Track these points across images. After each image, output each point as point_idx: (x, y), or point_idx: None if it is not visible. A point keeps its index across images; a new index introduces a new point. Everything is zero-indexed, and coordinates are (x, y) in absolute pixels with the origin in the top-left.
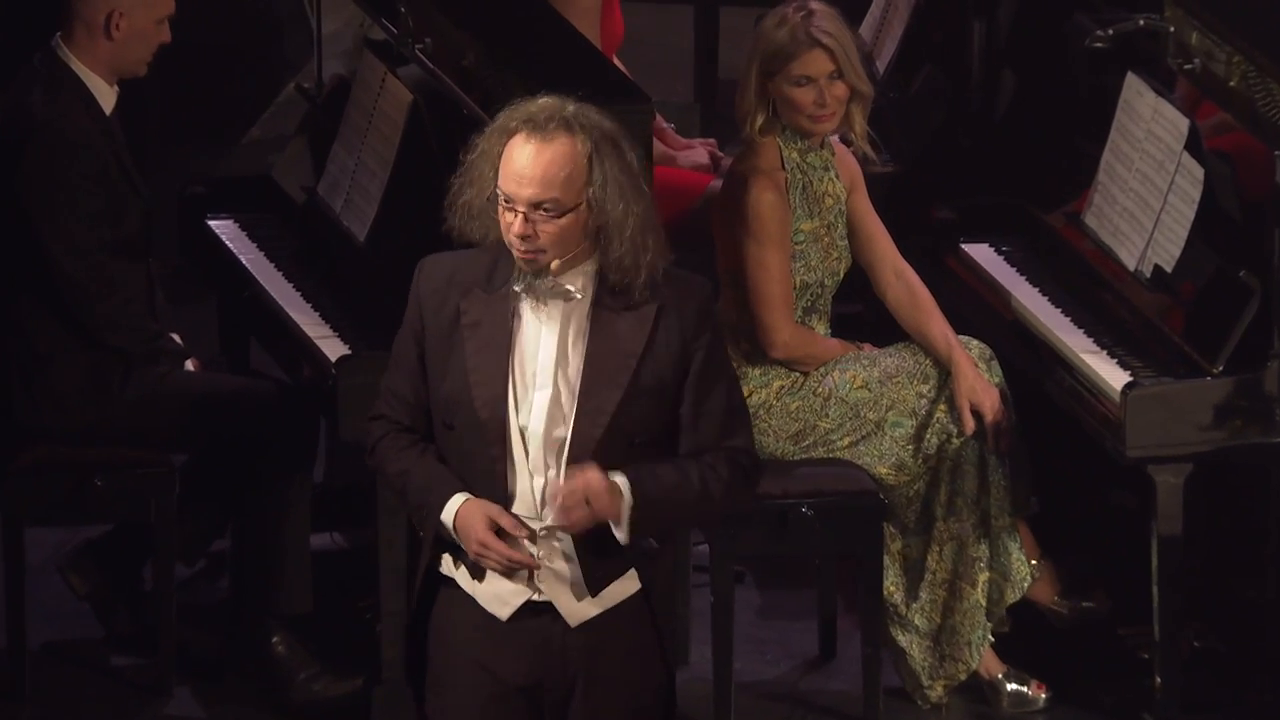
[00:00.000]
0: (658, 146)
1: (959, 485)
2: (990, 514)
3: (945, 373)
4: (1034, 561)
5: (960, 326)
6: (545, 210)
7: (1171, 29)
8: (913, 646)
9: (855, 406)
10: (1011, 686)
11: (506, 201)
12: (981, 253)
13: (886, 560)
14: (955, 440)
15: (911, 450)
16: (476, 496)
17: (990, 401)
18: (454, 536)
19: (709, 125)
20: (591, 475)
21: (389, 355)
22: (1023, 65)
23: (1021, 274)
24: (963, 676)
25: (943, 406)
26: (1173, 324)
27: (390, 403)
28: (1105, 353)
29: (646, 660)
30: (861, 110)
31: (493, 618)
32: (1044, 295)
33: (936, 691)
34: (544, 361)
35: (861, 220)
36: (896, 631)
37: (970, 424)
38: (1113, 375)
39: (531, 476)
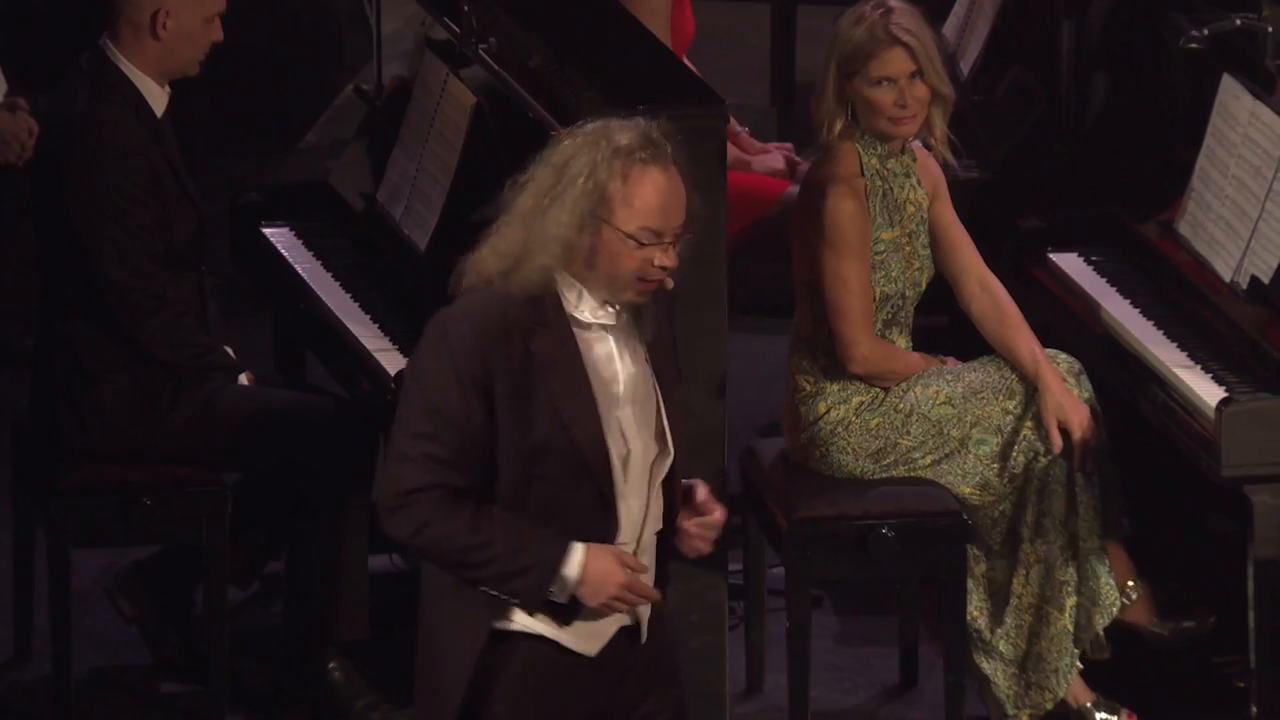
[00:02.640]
0: (732, 151)
1: (1046, 506)
2: (1079, 536)
3: (1032, 388)
4: (1130, 584)
5: (1048, 340)
6: (684, 234)
7: (1270, 29)
8: (997, 674)
9: (938, 423)
10: (1101, 716)
11: (653, 237)
12: (1070, 263)
13: (970, 584)
14: (1042, 459)
15: (996, 469)
16: (580, 539)
17: (1079, 419)
18: (570, 592)
19: (785, 129)
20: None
21: None
22: (1115, 67)
23: (1112, 285)
24: (1049, 706)
25: (1029, 423)
26: (1271, 338)
27: (437, 470)
28: (1199, 367)
29: (677, 663)
30: (943, 113)
31: (569, 658)
32: (1135, 307)
33: None
34: (622, 385)
35: (945, 229)
36: (980, 658)
37: (1058, 442)
38: (1207, 391)
39: (631, 502)
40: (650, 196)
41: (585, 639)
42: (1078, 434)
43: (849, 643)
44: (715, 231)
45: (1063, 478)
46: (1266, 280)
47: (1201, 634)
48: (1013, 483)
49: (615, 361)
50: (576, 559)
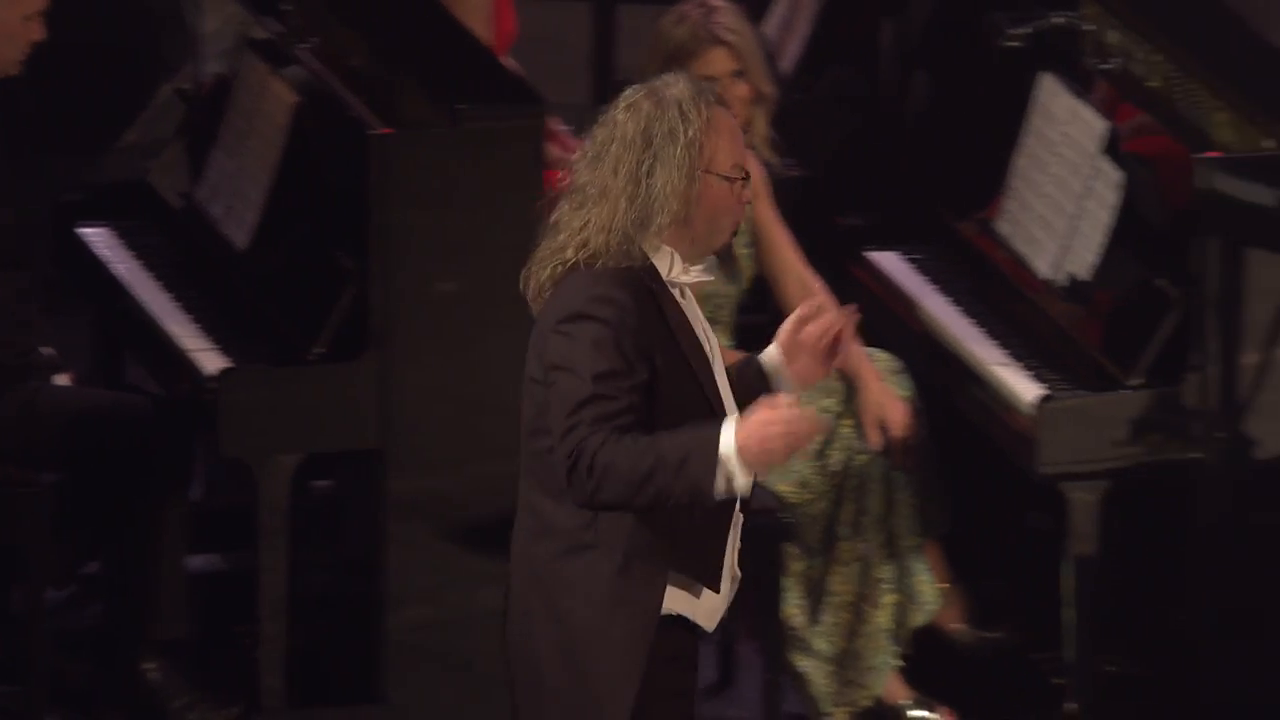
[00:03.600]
0: (551, 150)
1: (864, 504)
2: (897, 534)
3: (851, 386)
4: (944, 585)
5: (868, 338)
6: None
7: (1089, 27)
8: (814, 672)
9: None
10: (917, 714)
11: (741, 172)
12: (890, 261)
13: (789, 582)
14: (861, 457)
15: (815, 467)
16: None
17: (897, 416)
18: (737, 464)
19: None
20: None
21: (272, 369)
22: (935, 66)
23: (931, 283)
24: (866, 703)
25: (848, 421)
26: (1089, 335)
27: (604, 424)
28: (1018, 365)
29: None
30: (765, 112)
31: (694, 635)
32: (955, 305)
33: (839, 718)
34: (710, 347)
35: (765, 228)
36: (798, 656)
37: (877, 440)
38: (1025, 388)
39: None
40: (733, 133)
41: (708, 615)
42: (896, 432)
43: None
44: (534, 230)
45: (881, 476)
46: (1085, 278)
47: (1007, 646)
48: (831, 481)
49: (702, 324)
50: (729, 425)
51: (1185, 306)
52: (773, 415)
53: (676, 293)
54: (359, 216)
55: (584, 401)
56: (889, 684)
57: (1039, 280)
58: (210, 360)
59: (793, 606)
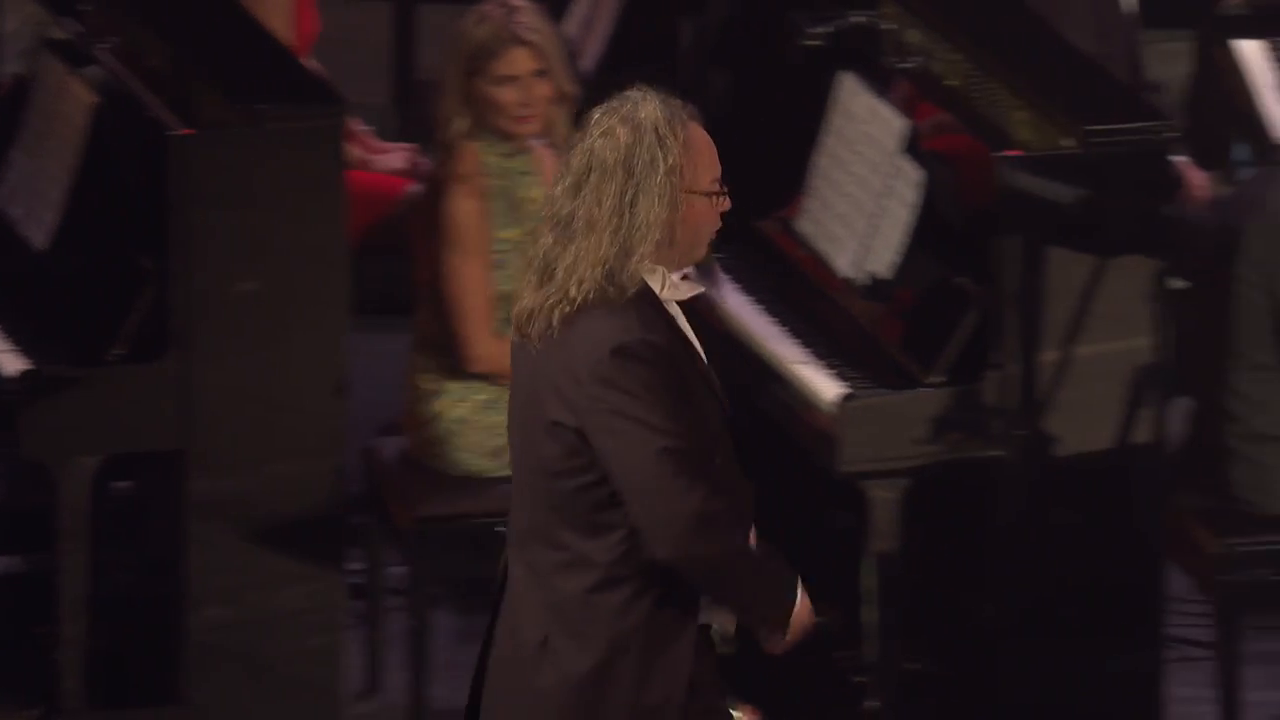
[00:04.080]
0: (354, 151)
1: None
2: None
3: None
4: None
5: None
6: None
7: (889, 26)
8: None
9: None
10: None
11: (719, 185)
12: None
13: None
14: None
15: None
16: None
17: None
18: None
19: (407, 129)
20: None
21: (71, 370)
22: (735, 65)
23: (732, 282)
24: None
25: None
26: (890, 333)
27: (709, 486)
28: (819, 363)
29: None
30: (566, 112)
31: (713, 655)
32: (755, 304)
33: None
34: (705, 360)
35: None
36: None
37: None
38: (826, 386)
39: None
40: (707, 149)
41: (730, 619)
42: None
43: (470, 641)
44: (335, 231)
45: None
46: (886, 277)
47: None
48: None
49: (695, 338)
50: (799, 588)
51: (985, 304)
52: (808, 613)
53: (669, 307)
54: (159, 217)
55: (680, 457)
56: None
57: (839, 279)
58: (9, 362)
59: None
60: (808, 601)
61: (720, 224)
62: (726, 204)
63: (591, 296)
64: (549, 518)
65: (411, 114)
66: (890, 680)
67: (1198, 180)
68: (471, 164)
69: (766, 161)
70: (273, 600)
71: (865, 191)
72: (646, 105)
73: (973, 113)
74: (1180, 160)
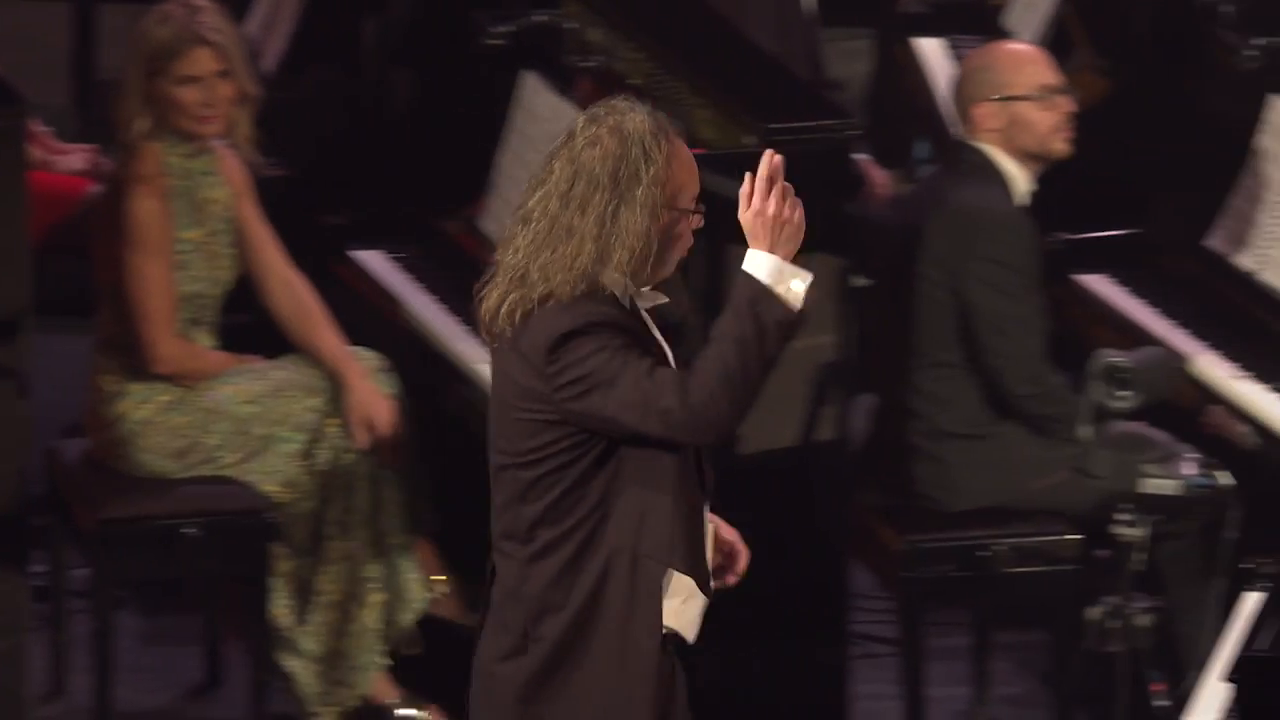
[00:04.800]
0: (33, 152)
1: (351, 503)
2: (385, 533)
3: (337, 386)
4: (439, 579)
5: (354, 337)
6: None
7: (571, 25)
8: (302, 671)
9: (243, 422)
10: (404, 712)
11: (697, 203)
12: (374, 260)
13: (276, 582)
14: (348, 456)
15: (302, 467)
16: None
17: (383, 415)
18: (786, 269)
19: (89, 130)
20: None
21: None
22: (418, 64)
23: (416, 281)
24: (354, 703)
25: (334, 421)
26: None
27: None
28: None
29: None
30: (248, 112)
31: (671, 657)
32: (440, 303)
33: (327, 718)
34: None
35: (249, 227)
36: (285, 656)
37: (363, 439)
38: None
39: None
40: (691, 165)
41: (689, 626)
42: (382, 431)
43: (155, 642)
44: (16, 231)
45: (368, 474)
46: None
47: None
48: (318, 480)
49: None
50: (750, 260)
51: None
52: (769, 217)
53: (641, 313)
54: None
55: (641, 375)
56: (376, 683)
57: None
58: None
59: (280, 606)
60: (761, 234)
61: (690, 244)
62: (699, 222)
63: (551, 295)
64: (519, 510)
65: (92, 114)
66: None
67: (879, 178)
68: (153, 164)
69: (450, 161)
70: None
71: None
72: (634, 116)
73: None
74: (862, 158)
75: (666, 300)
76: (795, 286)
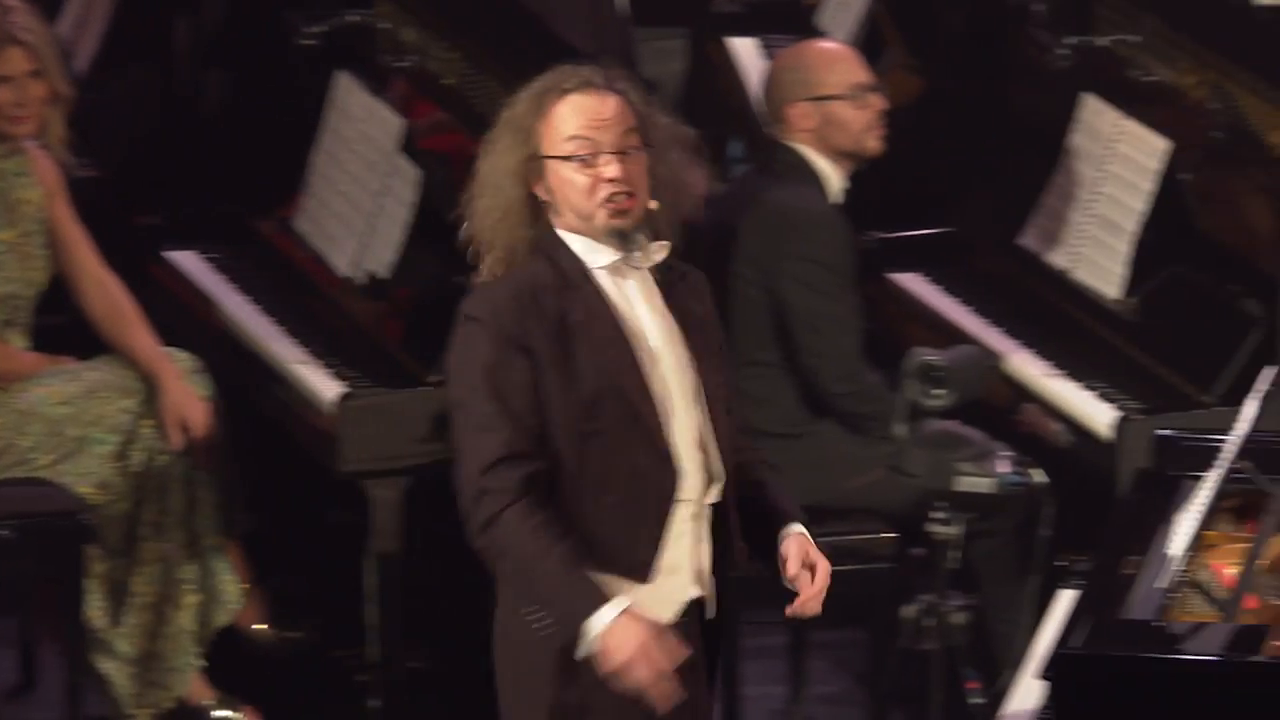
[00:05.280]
0: None
1: (166, 504)
2: (200, 534)
3: (151, 387)
4: (245, 585)
5: (168, 338)
6: (632, 150)
7: (385, 25)
8: (116, 673)
9: (56, 423)
10: (220, 714)
11: (589, 155)
12: (188, 261)
13: (90, 583)
14: (162, 457)
15: (116, 468)
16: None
17: (197, 416)
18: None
19: None
20: (823, 564)
21: None
22: (232, 64)
23: (230, 282)
24: (169, 704)
25: (149, 422)
26: (389, 332)
27: (510, 440)
28: (318, 363)
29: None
30: (61, 112)
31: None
32: (254, 304)
33: None
34: (651, 337)
35: (62, 228)
36: (100, 657)
37: (177, 440)
38: (325, 386)
39: (686, 462)
40: (567, 115)
41: (658, 605)
42: (197, 432)
43: None
44: None
45: (183, 476)
46: (384, 276)
47: (305, 646)
48: (132, 481)
49: (639, 311)
50: (612, 611)
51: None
52: (655, 656)
53: (608, 281)
54: None
55: (483, 424)
56: (192, 685)
57: (338, 278)
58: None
59: (94, 608)
60: (629, 630)
61: (604, 194)
62: (602, 171)
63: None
64: None
65: None
66: (392, 679)
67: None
68: None
69: (264, 161)
70: None
71: (363, 190)
72: (552, 74)
73: (469, 111)
74: None
75: (663, 256)
76: (593, 631)
